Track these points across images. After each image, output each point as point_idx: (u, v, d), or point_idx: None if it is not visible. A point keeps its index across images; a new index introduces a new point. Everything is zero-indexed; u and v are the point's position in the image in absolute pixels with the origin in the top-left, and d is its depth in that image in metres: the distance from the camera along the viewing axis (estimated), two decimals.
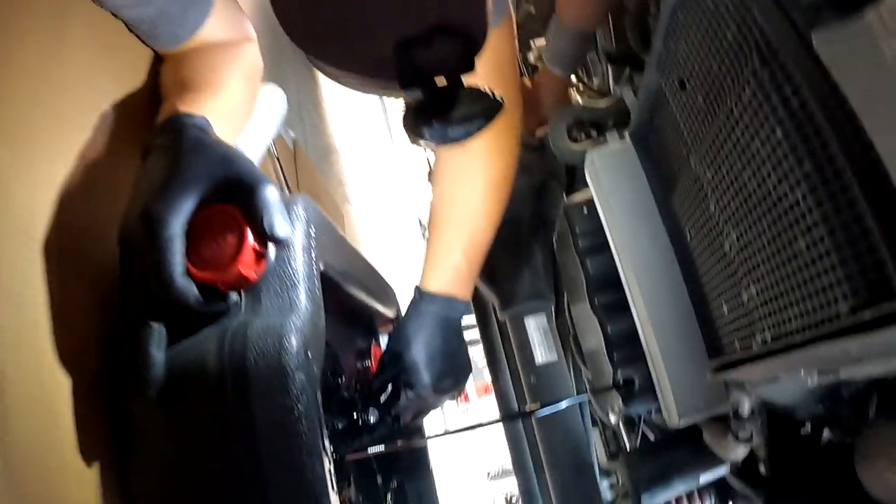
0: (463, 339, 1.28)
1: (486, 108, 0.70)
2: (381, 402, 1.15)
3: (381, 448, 1.06)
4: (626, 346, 1.08)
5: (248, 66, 1.07)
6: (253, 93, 1.08)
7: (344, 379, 1.07)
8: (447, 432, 1.07)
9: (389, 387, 1.18)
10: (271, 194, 0.76)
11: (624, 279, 1.03)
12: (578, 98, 1.60)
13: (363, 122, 4.69)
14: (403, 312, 1.27)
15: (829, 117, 0.52)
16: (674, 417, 0.99)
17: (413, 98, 0.68)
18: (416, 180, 6.36)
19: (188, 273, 0.73)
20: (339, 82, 0.74)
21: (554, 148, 1.35)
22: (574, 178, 1.57)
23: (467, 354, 1.29)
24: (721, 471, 1.15)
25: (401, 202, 5.69)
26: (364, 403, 1.12)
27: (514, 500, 6.29)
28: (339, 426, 1.04)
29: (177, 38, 1.02)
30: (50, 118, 0.82)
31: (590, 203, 1.10)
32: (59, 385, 0.73)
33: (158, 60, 1.07)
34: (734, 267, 0.76)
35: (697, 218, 0.85)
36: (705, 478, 1.15)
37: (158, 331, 0.74)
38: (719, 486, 1.26)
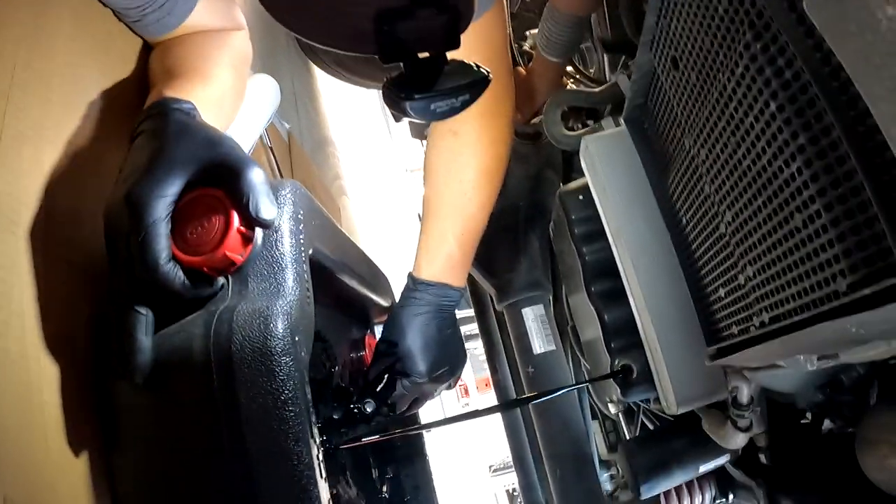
0: (457, 327, 1.28)
1: (471, 83, 0.68)
2: (378, 391, 1.15)
3: (376, 438, 1.04)
4: (623, 334, 1.07)
5: (236, 54, 1.06)
6: (241, 81, 1.07)
7: (338, 368, 1.06)
8: (445, 420, 1.06)
9: (385, 376, 1.17)
10: (257, 177, 0.75)
11: (620, 266, 1.02)
12: (574, 87, 1.59)
13: (361, 115, 4.68)
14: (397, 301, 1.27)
15: (823, 88, 0.50)
16: (672, 405, 0.98)
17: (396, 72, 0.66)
18: (414, 174, 6.35)
19: (174, 257, 0.72)
20: (332, 72, 0.73)
21: (548, 134, 1.34)
22: (571, 167, 1.56)
23: (462, 342, 1.29)
24: (721, 460, 1.13)
25: (399, 196, 5.69)
26: (360, 393, 1.11)
27: (516, 494, 6.30)
28: (335, 416, 1.03)
29: (165, 26, 1.02)
30: (35, 105, 0.81)
31: (585, 190, 1.09)
32: (45, 373, 0.72)
33: (147, 48, 1.06)
34: (730, 249, 0.75)
35: (693, 200, 0.84)
36: (705, 467, 1.14)
37: (146, 316, 0.74)
38: (719, 476, 1.25)
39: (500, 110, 1.20)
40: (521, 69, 1.62)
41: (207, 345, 0.71)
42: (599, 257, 1.11)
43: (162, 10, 0.99)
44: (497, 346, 2.07)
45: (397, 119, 0.70)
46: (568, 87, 1.60)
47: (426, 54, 0.65)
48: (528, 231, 1.66)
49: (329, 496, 0.72)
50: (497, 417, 2.13)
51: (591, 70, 1.66)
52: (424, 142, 2.35)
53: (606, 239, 1.04)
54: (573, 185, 1.17)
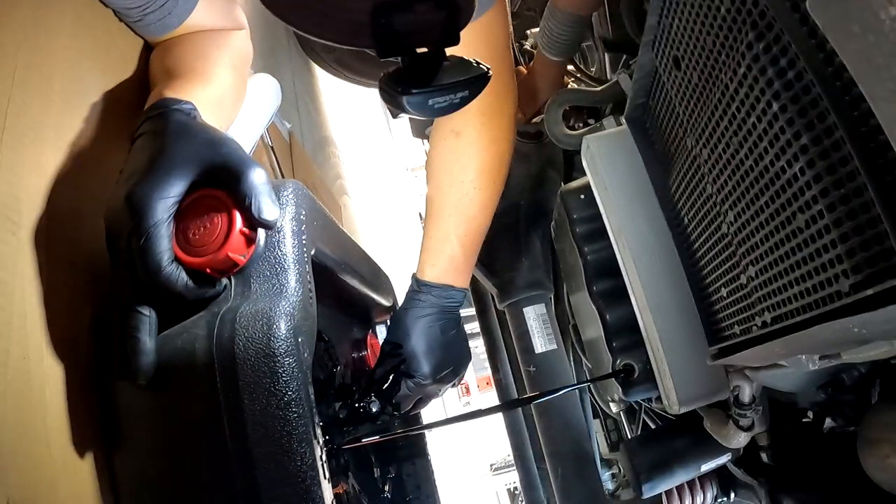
0: (461, 328, 1.28)
1: (471, 79, 0.67)
2: (382, 391, 1.15)
3: (378, 438, 1.05)
4: (625, 333, 1.07)
5: (236, 54, 1.06)
6: (242, 81, 1.07)
7: (340, 368, 1.06)
8: (447, 420, 1.06)
9: (390, 377, 1.17)
10: (259, 177, 0.75)
11: (622, 266, 1.02)
12: (575, 86, 1.59)
13: (362, 114, 4.68)
14: (401, 303, 1.26)
15: (826, 88, 0.50)
16: (674, 405, 0.97)
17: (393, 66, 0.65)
18: (415, 173, 6.35)
19: (176, 258, 0.72)
20: (333, 71, 0.73)
21: (549, 134, 1.34)
22: (572, 166, 1.56)
23: (466, 342, 1.29)
24: (723, 459, 1.13)
25: (400, 195, 5.69)
26: (365, 393, 1.11)
27: (517, 492, 6.30)
28: (340, 416, 1.03)
29: (166, 26, 1.02)
30: (37, 105, 0.81)
31: (587, 189, 1.09)
32: (47, 373, 0.72)
33: (147, 48, 1.06)
34: (733, 248, 0.75)
35: (695, 200, 0.84)
36: (707, 466, 1.13)
37: (149, 317, 0.74)
38: (721, 475, 1.25)
39: (502, 109, 1.19)
40: (523, 68, 1.62)
41: (210, 346, 0.71)
42: (601, 256, 1.11)
43: (162, 9, 0.99)
44: (498, 345, 2.06)
45: (395, 115, 0.69)
46: (569, 86, 1.60)
47: (425, 50, 0.64)
48: (530, 230, 1.65)
49: (332, 496, 0.72)
50: (498, 416, 2.13)
51: (593, 69, 1.66)
52: (425, 140, 2.36)
53: (608, 238, 1.04)
54: (575, 184, 1.17)
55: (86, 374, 0.77)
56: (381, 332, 1.39)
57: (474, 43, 0.70)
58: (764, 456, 1.10)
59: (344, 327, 1.25)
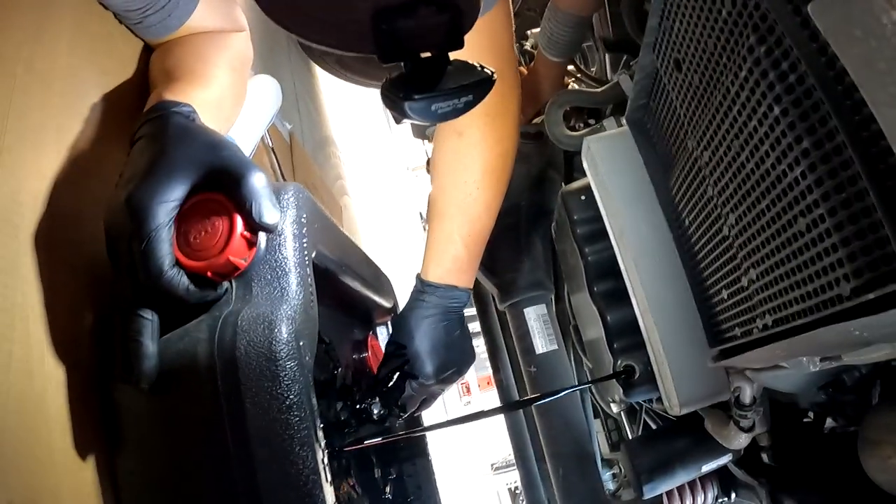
0: (466, 328, 1.28)
1: (475, 83, 0.65)
2: (386, 393, 1.15)
3: (379, 440, 1.05)
4: (625, 334, 1.07)
5: (236, 56, 1.06)
6: (241, 83, 1.07)
7: (341, 370, 1.06)
8: (449, 421, 1.06)
9: (395, 377, 1.18)
10: (259, 181, 0.75)
11: (622, 267, 1.02)
12: (576, 87, 1.59)
13: (362, 114, 4.67)
14: (403, 304, 1.26)
15: (827, 92, 0.50)
16: (674, 406, 0.97)
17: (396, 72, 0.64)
18: (415, 173, 6.35)
19: (177, 262, 0.72)
20: (333, 72, 0.73)
21: (550, 135, 1.34)
22: (573, 167, 1.56)
23: (470, 342, 1.30)
24: (724, 460, 1.13)
25: (401, 195, 5.69)
26: (368, 395, 1.11)
27: (518, 492, 6.30)
28: (341, 417, 1.03)
29: (166, 28, 1.02)
30: (37, 108, 0.81)
31: (587, 190, 1.09)
32: (49, 376, 0.72)
33: (147, 51, 1.06)
34: (734, 251, 0.74)
35: (696, 202, 0.84)
36: (708, 467, 1.14)
37: (152, 321, 0.74)
38: (722, 475, 1.25)
39: (506, 110, 1.19)
40: (523, 69, 1.62)
41: (212, 350, 0.71)
42: (602, 257, 1.11)
43: (163, 11, 0.99)
44: (499, 346, 2.06)
45: (398, 121, 0.68)
46: (570, 86, 1.59)
47: (428, 54, 0.62)
48: (531, 231, 1.65)
49: (334, 499, 0.72)
50: (499, 416, 2.13)
51: (593, 70, 1.66)
52: (425, 141, 2.35)
53: (608, 239, 1.04)
54: (575, 185, 1.17)
55: (87, 377, 0.77)
56: (382, 333, 1.39)
57: (478, 43, 0.70)
58: (765, 456, 1.10)
59: (345, 329, 1.25)
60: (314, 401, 0.73)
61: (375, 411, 1.08)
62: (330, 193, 2.49)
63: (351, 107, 4.10)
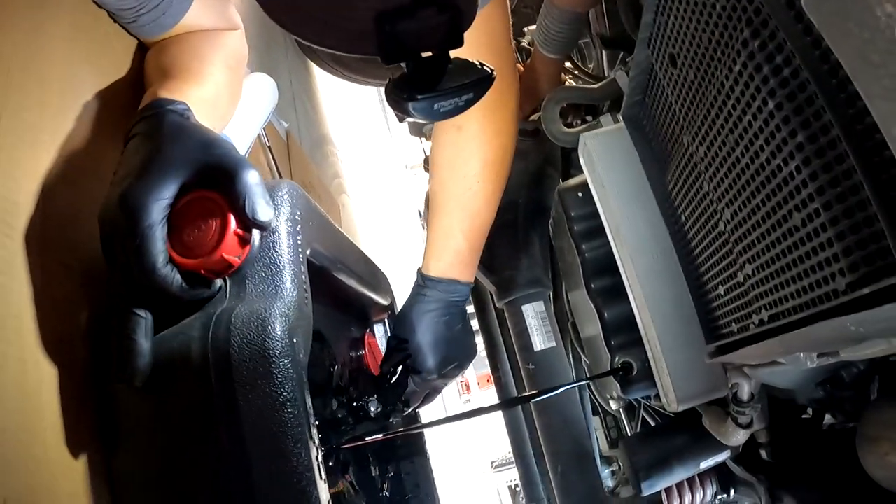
0: (467, 322, 1.29)
1: (475, 81, 0.66)
2: (389, 388, 1.16)
3: (376, 437, 1.04)
4: (623, 331, 1.07)
5: (231, 54, 1.06)
6: (237, 81, 1.07)
7: (338, 367, 1.06)
8: (447, 418, 1.06)
9: (398, 372, 1.19)
10: (252, 178, 0.75)
11: (620, 263, 1.01)
12: (573, 84, 1.58)
13: (360, 113, 4.67)
14: (403, 301, 1.27)
15: (821, 86, 0.50)
16: (672, 402, 0.97)
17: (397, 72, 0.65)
18: (414, 171, 6.35)
19: (171, 260, 0.72)
20: (330, 70, 0.73)
21: (547, 131, 1.34)
22: (570, 163, 1.55)
23: (472, 336, 1.31)
24: (722, 457, 1.13)
25: (399, 193, 5.68)
26: (366, 392, 1.11)
27: (518, 489, 6.31)
28: (338, 415, 1.03)
29: (161, 26, 1.02)
30: (32, 109, 0.81)
31: (584, 187, 1.09)
32: (43, 375, 0.72)
33: (142, 50, 1.06)
34: (729, 246, 0.74)
35: (692, 197, 0.84)
36: (706, 464, 1.13)
37: (145, 319, 0.74)
38: (720, 472, 1.25)
39: (504, 105, 1.19)
40: (520, 66, 1.61)
41: (205, 347, 0.71)
42: (599, 254, 1.11)
43: (157, 10, 0.99)
44: (498, 344, 2.06)
45: (400, 119, 0.69)
46: (567, 83, 1.59)
47: (429, 54, 0.63)
48: (528, 228, 1.65)
49: (328, 497, 0.72)
50: (499, 414, 2.13)
51: (590, 66, 1.65)
52: (423, 139, 2.35)
53: (606, 236, 1.03)
54: (572, 181, 1.17)
55: (82, 376, 0.77)
56: (379, 331, 1.39)
57: (476, 40, 0.70)
58: (763, 453, 1.10)
59: (341, 327, 1.25)
60: (308, 398, 0.73)
61: (372, 409, 1.07)
62: (328, 192, 2.49)
63: (349, 105, 4.09)
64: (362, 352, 1.26)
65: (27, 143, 0.78)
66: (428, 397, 1.33)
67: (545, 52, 1.47)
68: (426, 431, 1.45)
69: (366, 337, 1.33)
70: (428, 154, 1.56)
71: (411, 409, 1.26)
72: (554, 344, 1.61)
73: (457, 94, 0.66)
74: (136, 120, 0.83)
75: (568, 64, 1.59)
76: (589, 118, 1.38)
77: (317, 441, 0.72)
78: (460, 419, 1.07)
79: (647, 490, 1.14)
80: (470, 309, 2.14)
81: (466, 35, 0.62)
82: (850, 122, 0.48)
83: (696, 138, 0.76)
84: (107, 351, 0.76)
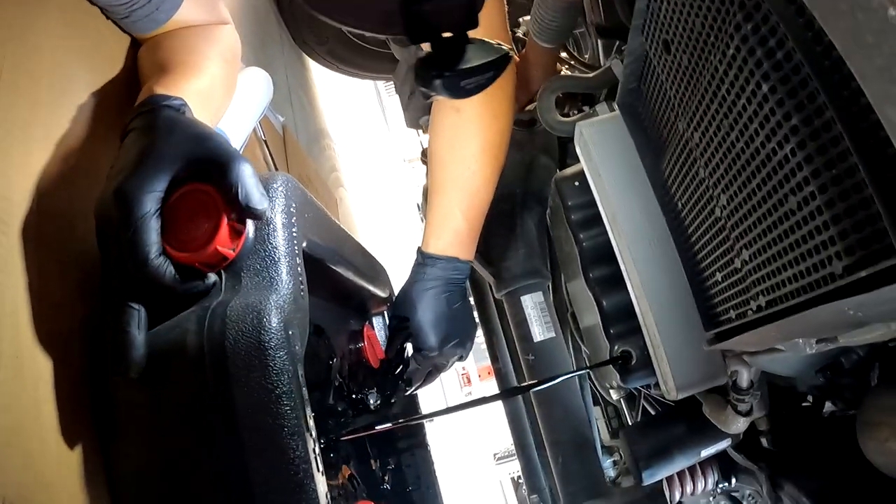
0: (467, 300, 1.31)
1: (495, 59, 0.73)
2: (392, 369, 1.17)
3: (377, 429, 1.05)
4: (621, 319, 1.07)
5: (225, 48, 1.06)
6: (231, 74, 1.07)
7: (337, 360, 1.06)
8: (447, 409, 1.06)
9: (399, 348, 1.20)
10: (245, 170, 0.75)
11: (617, 252, 1.01)
12: (568, 73, 1.58)
13: (356, 106, 4.67)
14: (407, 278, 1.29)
15: (815, 68, 0.50)
16: (672, 391, 0.97)
17: (420, 53, 0.71)
18: (411, 164, 6.34)
19: (166, 254, 0.72)
20: (325, 63, 0.75)
21: (542, 121, 1.34)
22: (566, 153, 1.55)
23: (472, 314, 1.34)
24: (723, 445, 1.13)
25: (397, 186, 5.68)
26: (365, 384, 1.11)
27: (520, 481, 6.32)
28: (337, 407, 1.03)
29: (154, 22, 1.02)
30: (25, 105, 0.81)
31: (581, 176, 1.09)
32: (39, 372, 0.72)
33: (135, 46, 1.05)
34: (726, 232, 0.74)
35: (688, 184, 0.84)
36: (707, 452, 1.13)
37: (139, 311, 0.74)
38: (721, 460, 1.25)
39: (501, 89, 1.22)
40: (515, 56, 1.61)
41: (201, 340, 0.70)
42: (596, 243, 1.11)
43: (150, 5, 0.99)
44: (497, 335, 2.06)
45: (426, 97, 0.76)
46: (562, 73, 1.59)
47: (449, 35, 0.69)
48: (526, 218, 1.65)
49: (326, 489, 0.71)
50: (499, 405, 2.13)
51: (586, 55, 1.65)
52: (420, 131, 2.35)
53: (603, 225, 1.03)
54: (569, 171, 1.17)
55: (78, 372, 0.76)
56: (378, 323, 1.39)
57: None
58: (764, 441, 1.10)
59: (340, 319, 1.25)
60: (304, 390, 0.72)
61: (372, 401, 1.07)
62: (325, 186, 2.48)
63: (345, 99, 4.09)
64: (361, 344, 1.26)
65: (20, 140, 0.78)
66: (430, 376, 1.35)
67: (540, 42, 1.47)
68: (427, 424, 1.45)
69: (365, 329, 1.32)
70: (425, 147, 1.56)
71: (413, 388, 1.28)
72: (553, 334, 1.61)
73: (480, 71, 0.72)
74: (132, 116, 0.83)
75: (563, 54, 1.59)
76: (585, 107, 1.38)
77: (314, 433, 0.72)
78: (461, 409, 1.07)
79: (649, 479, 1.14)
80: (469, 300, 2.14)
81: None
82: (845, 104, 0.48)
83: (692, 124, 0.75)
84: (103, 346, 0.76)
